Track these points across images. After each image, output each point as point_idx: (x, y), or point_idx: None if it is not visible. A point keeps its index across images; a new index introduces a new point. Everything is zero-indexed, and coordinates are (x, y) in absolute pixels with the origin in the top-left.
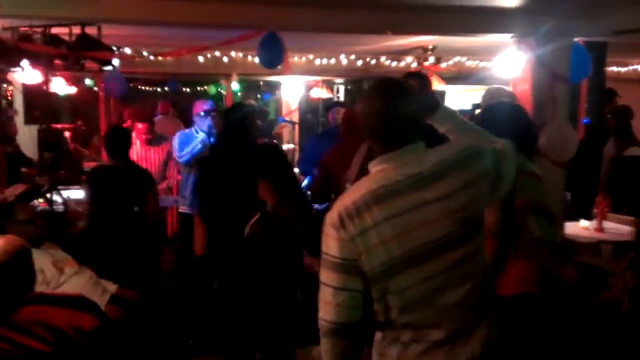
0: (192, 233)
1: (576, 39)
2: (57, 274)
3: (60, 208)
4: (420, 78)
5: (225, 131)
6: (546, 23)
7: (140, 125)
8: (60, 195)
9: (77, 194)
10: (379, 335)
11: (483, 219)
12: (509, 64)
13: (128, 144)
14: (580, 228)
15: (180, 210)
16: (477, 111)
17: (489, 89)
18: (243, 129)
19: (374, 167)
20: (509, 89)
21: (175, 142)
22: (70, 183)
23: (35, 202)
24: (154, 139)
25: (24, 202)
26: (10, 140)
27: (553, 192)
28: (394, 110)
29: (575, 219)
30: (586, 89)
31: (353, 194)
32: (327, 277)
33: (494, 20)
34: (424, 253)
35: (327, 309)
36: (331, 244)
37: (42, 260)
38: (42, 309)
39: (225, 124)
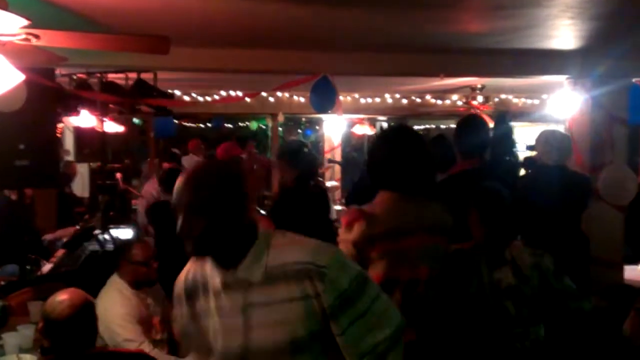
0: None
1: (634, 80)
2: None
3: (110, 247)
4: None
5: (301, 175)
6: (603, 64)
7: (165, 165)
8: (110, 234)
9: (125, 232)
10: None
11: None
12: (563, 103)
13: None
14: (639, 272)
15: None
16: (534, 153)
17: (543, 132)
18: (312, 172)
19: None
20: (563, 130)
21: None
22: (119, 222)
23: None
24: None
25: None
26: (69, 181)
27: (611, 235)
28: None
29: (635, 262)
30: None
31: None
32: None
33: (549, 62)
34: None
35: None
36: None
37: None
38: None
39: (299, 168)
